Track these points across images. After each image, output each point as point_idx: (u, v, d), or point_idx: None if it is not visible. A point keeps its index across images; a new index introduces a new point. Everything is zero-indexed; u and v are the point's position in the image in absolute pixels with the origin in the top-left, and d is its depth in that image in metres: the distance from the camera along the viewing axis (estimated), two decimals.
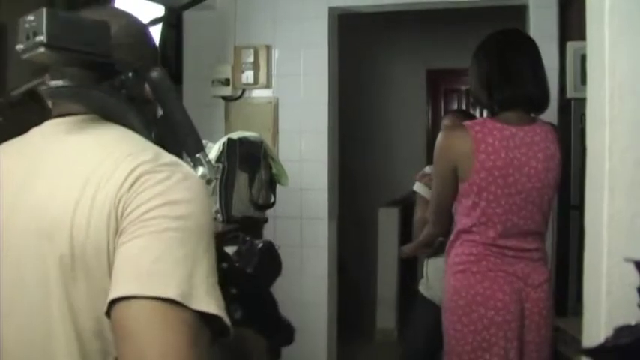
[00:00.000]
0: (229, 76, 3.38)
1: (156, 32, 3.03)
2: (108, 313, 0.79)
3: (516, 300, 1.99)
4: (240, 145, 2.66)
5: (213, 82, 3.40)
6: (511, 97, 2.02)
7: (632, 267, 0.98)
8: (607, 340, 0.93)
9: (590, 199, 1.30)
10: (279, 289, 1.12)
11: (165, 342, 0.75)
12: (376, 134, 5.60)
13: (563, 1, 3.04)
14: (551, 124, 2.15)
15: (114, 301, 0.78)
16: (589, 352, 0.96)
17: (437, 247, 2.65)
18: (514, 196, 1.98)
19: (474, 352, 1.99)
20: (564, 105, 2.91)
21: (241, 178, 2.65)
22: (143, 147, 0.92)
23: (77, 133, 0.95)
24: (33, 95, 1.08)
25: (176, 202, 0.84)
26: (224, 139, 2.68)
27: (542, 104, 2.07)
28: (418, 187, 2.91)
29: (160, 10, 3.13)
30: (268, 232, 3.11)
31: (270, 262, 1.09)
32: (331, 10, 3.32)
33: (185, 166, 0.91)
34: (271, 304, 1.09)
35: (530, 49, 2.08)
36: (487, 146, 1.97)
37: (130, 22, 1.04)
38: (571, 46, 2.81)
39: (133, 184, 0.84)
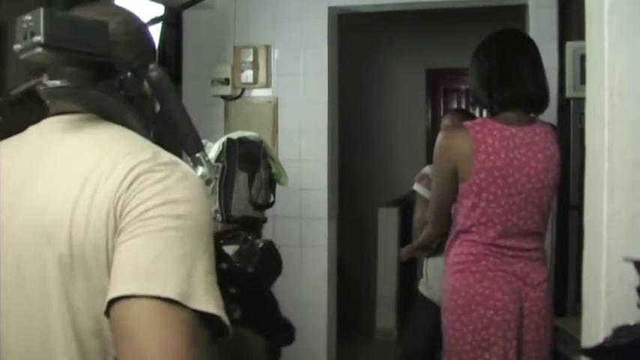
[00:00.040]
0: (229, 75, 3.38)
1: (155, 32, 3.02)
2: (107, 313, 0.79)
3: (515, 300, 1.99)
4: (239, 144, 2.66)
5: (212, 81, 3.40)
6: (511, 97, 2.02)
7: (631, 267, 0.98)
8: (606, 340, 0.93)
9: (590, 199, 1.30)
10: (279, 288, 1.12)
11: (165, 341, 0.75)
12: (376, 134, 5.60)
13: (562, 0, 3.04)
14: (551, 125, 2.15)
15: (113, 301, 0.78)
16: (588, 352, 0.96)
17: (436, 247, 2.65)
18: (514, 197, 1.98)
19: (473, 351, 1.99)
20: (564, 105, 2.91)
21: (241, 178, 2.65)
22: (141, 146, 0.92)
23: (75, 132, 0.95)
24: (32, 94, 1.08)
25: (175, 202, 0.84)
26: (223, 139, 2.68)
27: (541, 104, 2.07)
28: (418, 187, 2.91)
29: (159, 10, 3.13)
30: (268, 232, 3.11)
31: (270, 261, 1.09)
32: (331, 9, 3.32)
33: (184, 165, 0.91)
34: (272, 303, 1.09)
35: (530, 49, 2.08)
36: (487, 146, 1.97)
37: (127, 19, 1.03)
38: (570, 45, 2.81)
39: (131, 183, 0.84)
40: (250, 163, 2.68)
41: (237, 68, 3.37)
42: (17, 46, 0.86)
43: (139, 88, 1.00)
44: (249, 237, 1.09)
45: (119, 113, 0.97)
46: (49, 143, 0.95)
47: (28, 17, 0.85)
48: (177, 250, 0.81)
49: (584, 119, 1.37)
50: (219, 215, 2.61)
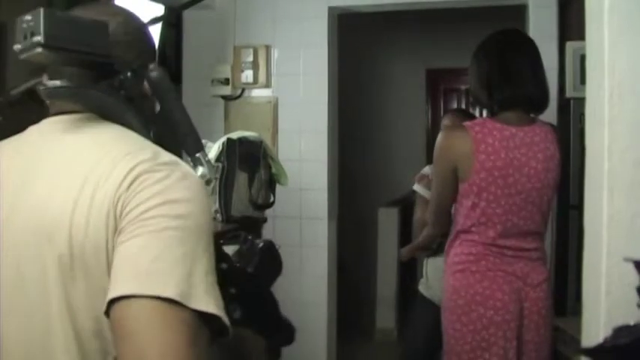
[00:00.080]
0: (229, 75, 3.38)
1: (155, 32, 3.02)
2: (107, 313, 0.79)
3: (515, 300, 1.99)
4: (239, 144, 2.66)
5: (212, 81, 3.40)
6: (511, 97, 2.02)
7: (631, 267, 0.98)
8: (606, 340, 0.93)
9: (590, 199, 1.30)
10: (279, 288, 1.12)
11: (165, 341, 0.75)
12: (376, 134, 5.60)
13: (562, 0, 3.04)
14: (551, 125, 2.15)
15: (113, 301, 0.78)
16: (588, 352, 0.96)
17: (436, 247, 2.65)
18: (514, 197, 1.98)
19: (473, 351, 1.99)
20: (564, 105, 2.91)
21: (241, 178, 2.65)
22: (141, 146, 0.92)
23: (75, 132, 0.95)
24: (32, 94, 1.08)
25: (175, 201, 0.84)
26: (223, 139, 2.68)
27: (541, 104, 2.07)
28: (418, 187, 2.91)
29: (159, 10, 3.13)
30: (268, 232, 3.11)
31: (270, 261, 1.09)
32: (331, 9, 3.32)
33: (184, 165, 0.91)
34: (272, 303, 1.09)
35: (530, 50, 2.08)
36: (487, 146, 1.97)
37: (127, 19, 1.03)
38: (570, 45, 2.81)
39: (131, 183, 0.84)
40: (250, 163, 2.68)
41: (237, 68, 3.37)
42: (17, 46, 0.86)
43: (138, 88, 1.00)
44: (249, 237, 1.09)
45: (119, 113, 0.97)
46: (49, 143, 0.95)
47: (28, 17, 0.85)
48: (178, 250, 0.81)
49: (584, 119, 1.37)
50: (219, 215, 2.61)
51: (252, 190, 2.67)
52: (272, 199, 2.81)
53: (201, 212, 0.86)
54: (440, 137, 2.10)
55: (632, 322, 0.94)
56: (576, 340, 1.71)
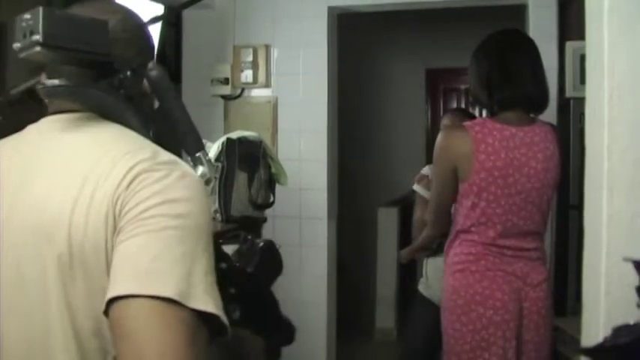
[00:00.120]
0: (228, 75, 3.38)
1: (155, 31, 3.02)
2: (106, 312, 0.79)
3: (515, 299, 1.99)
4: (239, 144, 2.66)
5: (212, 81, 3.40)
6: (510, 97, 2.02)
7: (631, 267, 0.98)
8: (606, 340, 0.94)
9: (590, 199, 1.30)
10: (279, 288, 1.11)
11: (164, 341, 0.75)
12: (375, 134, 5.60)
13: (562, 0, 3.04)
14: (551, 125, 2.15)
15: (112, 300, 0.77)
16: (588, 351, 0.96)
17: (436, 247, 2.65)
18: (514, 197, 1.98)
19: (472, 351, 1.99)
20: (563, 105, 2.91)
21: (240, 178, 2.64)
22: (141, 145, 0.92)
23: (74, 131, 0.94)
24: (32, 94, 1.08)
25: (175, 201, 0.84)
26: (223, 139, 2.68)
27: (541, 104, 2.07)
28: (417, 187, 2.91)
29: (159, 9, 3.12)
30: (267, 232, 3.11)
31: (270, 261, 1.09)
32: (330, 9, 3.32)
33: (183, 164, 0.91)
34: (272, 303, 1.09)
35: (530, 49, 2.08)
36: (487, 146, 1.97)
37: (126, 16, 1.02)
38: (570, 45, 2.81)
39: (130, 183, 0.84)
40: (250, 163, 2.68)
41: (237, 68, 3.37)
42: (16, 45, 0.86)
43: (138, 87, 1.00)
44: (249, 236, 1.09)
45: (118, 112, 0.96)
46: (48, 142, 0.95)
47: (27, 16, 0.85)
48: (177, 249, 0.81)
49: (583, 119, 1.37)
50: (218, 215, 2.61)
51: (251, 189, 2.67)
52: (272, 199, 2.81)
53: (200, 212, 0.86)
54: (440, 137, 2.10)
55: (631, 322, 0.94)
56: (576, 340, 1.71)
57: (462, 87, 5.59)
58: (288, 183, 2.87)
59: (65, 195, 0.86)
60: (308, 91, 3.33)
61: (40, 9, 0.83)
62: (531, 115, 2.08)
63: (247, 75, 3.35)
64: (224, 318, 0.81)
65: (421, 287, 2.90)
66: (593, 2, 1.27)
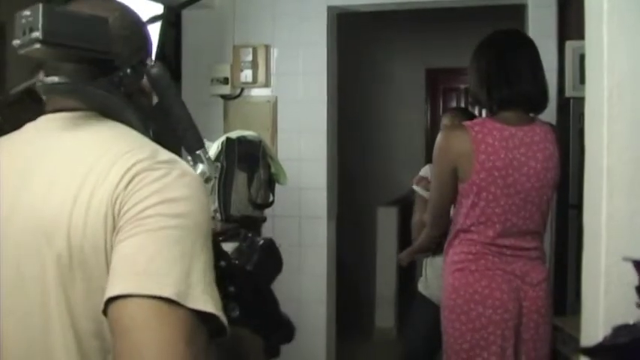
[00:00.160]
0: (228, 75, 3.38)
1: (155, 31, 3.02)
2: (105, 312, 0.79)
3: (514, 298, 1.99)
4: (238, 144, 2.65)
5: (212, 80, 3.40)
6: (510, 97, 2.02)
7: (630, 266, 0.98)
8: (605, 340, 0.94)
9: (589, 198, 1.30)
10: (278, 287, 1.11)
11: (162, 339, 0.75)
12: (375, 133, 5.60)
13: (562, 0, 3.04)
14: (550, 124, 2.15)
15: (110, 300, 0.77)
16: (587, 351, 0.96)
17: (436, 247, 2.65)
18: (513, 196, 1.98)
19: (472, 350, 1.99)
20: (563, 104, 2.91)
21: (240, 178, 2.64)
22: (141, 144, 0.91)
23: (73, 130, 0.94)
24: (31, 94, 1.08)
25: (173, 200, 0.84)
26: (223, 138, 2.67)
27: (540, 104, 2.08)
28: (417, 187, 2.91)
29: (158, 9, 3.12)
30: (267, 231, 3.10)
31: (270, 259, 1.09)
32: (330, 9, 3.32)
33: (183, 163, 0.90)
34: (272, 302, 1.08)
35: (530, 49, 2.08)
36: (487, 146, 1.97)
37: (124, 13, 1.02)
38: (570, 45, 2.81)
39: (129, 182, 0.84)
40: (249, 163, 2.68)
41: (237, 67, 3.37)
42: (16, 42, 0.86)
43: (137, 84, 0.99)
44: (249, 234, 1.09)
45: (118, 110, 0.96)
46: (48, 141, 0.94)
47: (27, 12, 0.84)
48: (175, 248, 0.80)
49: (583, 119, 1.37)
50: (218, 215, 2.61)
51: (251, 189, 2.67)
52: (271, 199, 2.81)
53: (199, 211, 0.86)
54: (439, 137, 2.10)
55: (631, 322, 0.94)
56: (575, 339, 1.71)
57: (462, 87, 5.59)
58: (288, 182, 2.86)
59: (65, 195, 0.86)
60: (308, 90, 3.33)
61: (40, 6, 0.83)
62: (531, 115, 2.08)
63: (247, 75, 3.35)
64: (223, 318, 0.81)
65: (421, 287, 2.89)
66: (592, 2, 1.28)
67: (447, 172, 2.05)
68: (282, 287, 1.22)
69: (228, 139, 2.66)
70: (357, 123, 5.20)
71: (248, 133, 2.76)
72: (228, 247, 1.04)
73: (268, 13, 3.37)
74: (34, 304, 0.87)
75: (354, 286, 4.63)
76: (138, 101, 1.00)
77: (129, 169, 0.85)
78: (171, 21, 3.44)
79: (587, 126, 1.33)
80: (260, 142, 2.75)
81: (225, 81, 3.38)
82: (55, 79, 0.92)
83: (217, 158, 2.60)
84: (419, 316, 2.88)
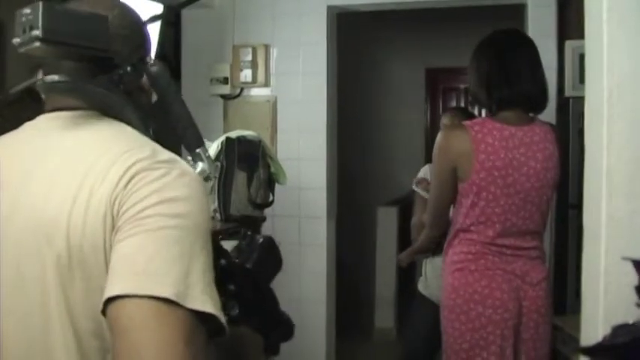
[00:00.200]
0: (228, 74, 3.38)
1: (154, 30, 3.02)
2: (104, 312, 0.79)
3: (514, 298, 1.99)
4: (238, 143, 2.65)
5: (211, 80, 3.40)
6: (510, 97, 2.02)
7: (630, 266, 0.98)
8: (605, 339, 0.93)
9: (589, 198, 1.30)
10: (278, 287, 1.11)
11: (161, 340, 0.75)
12: (375, 133, 5.60)
13: (561, 0, 3.04)
14: (550, 124, 2.15)
15: (109, 300, 0.77)
16: (587, 350, 0.96)
17: (435, 247, 2.65)
18: (513, 196, 1.98)
19: (471, 349, 1.99)
20: (562, 104, 2.91)
21: (240, 177, 2.64)
22: (140, 143, 0.91)
23: (73, 129, 0.94)
24: (31, 93, 1.08)
25: (173, 200, 0.83)
26: (222, 138, 2.67)
27: (540, 104, 2.08)
28: (417, 187, 2.90)
29: (158, 8, 3.12)
30: (267, 231, 3.10)
31: (270, 257, 1.08)
32: (330, 8, 3.32)
33: (183, 163, 0.90)
34: (271, 300, 1.08)
35: (530, 49, 2.08)
36: (487, 146, 1.97)
37: (123, 12, 1.02)
38: (569, 44, 2.81)
39: (128, 182, 0.84)
40: (249, 163, 2.68)
41: (236, 67, 3.37)
42: (16, 40, 0.86)
43: (137, 82, 0.99)
44: (249, 232, 1.09)
45: (118, 108, 0.96)
46: (48, 140, 0.94)
47: (27, 10, 0.84)
48: (174, 248, 0.80)
49: (583, 118, 1.37)
50: (218, 215, 2.61)
51: (251, 189, 2.67)
52: (271, 198, 2.81)
53: (199, 210, 0.86)
54: (439, 137, 2.10)
55: (630, 321, 0.94)
56: (575, 339, 1.71)
57: (462, 86, 5.59)
58: (288, 182, 2.86)
59: (64, 195, 0.85)
60: (307, 90, 3.33)
61: (40, 4, 0.83)
62: (530, 115, 2.08)
63: (246, 74, 3.35)
64: (222, 318, 0.81)
65: (421, 286, 2.90)
66: (592, 1, 1.28)
67: (446, 172, 2.05)
68: (282, 287, 1.22)
69: (227, 138, 2.66)
70: (357, 123, 5.20)
71: (248, 132, 2.76)
72: (228, 245, 1.04)
73: (268, 12, 3.37)
74: (34, 304, 0.86)
75: (354, 286, 4.63)
76: (137, 99, 1.00)
77: (128, 169, 0.85)
78: (171, 20, 3.44)
79: (587, 126, 1.32)
80: (260, 141, 2.75)
81: (225, 81, 3.38)
82: (54, 77, 0.92)
83: (217, 158, 2.60)
84: (419, 316, 2.88)
